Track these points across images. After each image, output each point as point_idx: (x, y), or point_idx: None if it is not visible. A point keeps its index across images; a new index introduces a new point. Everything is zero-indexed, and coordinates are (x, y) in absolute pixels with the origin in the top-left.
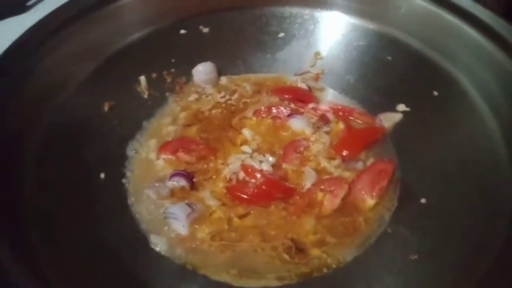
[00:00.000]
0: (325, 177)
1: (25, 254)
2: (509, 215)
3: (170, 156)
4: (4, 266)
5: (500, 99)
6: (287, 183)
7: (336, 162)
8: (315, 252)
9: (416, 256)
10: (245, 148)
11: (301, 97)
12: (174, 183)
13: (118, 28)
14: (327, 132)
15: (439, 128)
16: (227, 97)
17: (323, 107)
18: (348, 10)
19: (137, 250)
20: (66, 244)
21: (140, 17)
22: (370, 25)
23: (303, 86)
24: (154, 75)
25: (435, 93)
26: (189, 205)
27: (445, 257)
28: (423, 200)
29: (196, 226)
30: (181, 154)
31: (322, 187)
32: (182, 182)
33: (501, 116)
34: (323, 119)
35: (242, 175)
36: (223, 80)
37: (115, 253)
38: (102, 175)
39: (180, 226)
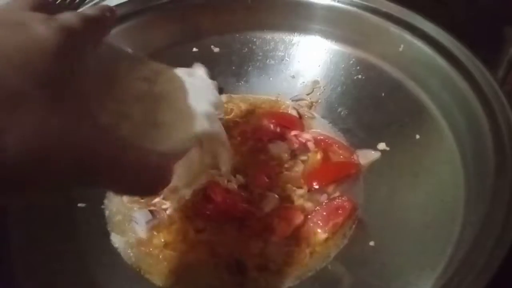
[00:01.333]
0: (285, 205)
1: None
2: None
3: None
4: None
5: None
6: (247, 205)
7: (302, 191)
8: (253, 274)
9: None
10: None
11: (287, 124)
12: None
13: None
14: (303, 161)
15: (413, 174)
16: (221, 115)
17: (306, 135)
18: (354, 43)
19: (99, 245)
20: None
21: (158, 33)
22: (372, 61)
23: (294, 112)
24: None
25: (417, 136)
26: (152, 212)
27: None
28: (371, 243)
29: (155, 233)
30: None
31: (279, 214)
32: None
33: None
34: (303, 147)
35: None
36: (223, 98)
37: (78, 243)
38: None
39: (139, 230)
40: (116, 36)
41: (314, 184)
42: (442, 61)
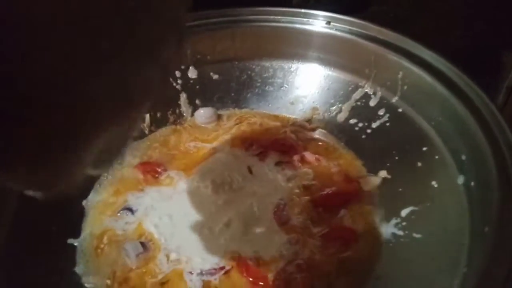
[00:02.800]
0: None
1: None
2: None
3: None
4: None
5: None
6: None
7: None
8: None
9: None
10: None
11: (287, 149)
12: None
13: None
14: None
15: (415, 203)
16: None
17: (309, 156)
18: (353, 70)
19: None
20: None
21: None
22: (371, 89)
23: (292, 136)
24: (159, 114)
25: (419, 164)
26: (142, 244)
27: None
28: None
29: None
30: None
31: None
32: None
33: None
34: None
35: None
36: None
37: None
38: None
39: (129, 261)
40: None
41: (320, 210)
42: (442, 88)
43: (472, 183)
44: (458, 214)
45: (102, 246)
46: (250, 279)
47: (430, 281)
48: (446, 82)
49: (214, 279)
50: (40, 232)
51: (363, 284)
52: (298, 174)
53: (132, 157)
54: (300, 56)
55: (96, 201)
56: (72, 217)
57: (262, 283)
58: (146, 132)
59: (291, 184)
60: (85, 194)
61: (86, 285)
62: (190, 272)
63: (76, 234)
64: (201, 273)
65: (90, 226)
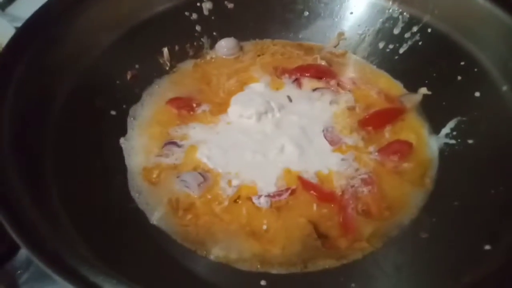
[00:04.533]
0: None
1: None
2: None
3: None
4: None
5: None
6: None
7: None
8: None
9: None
10: None
11: (322, 74)
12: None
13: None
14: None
15: (461, 112)
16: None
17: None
18: None
19: None
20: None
21: None
22: (399, 7)
23: (323, 63)
24: (177, 47)
25: (459, 77)
26: (201, 174)
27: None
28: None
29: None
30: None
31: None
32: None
33: None
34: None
35: None
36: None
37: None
38: (122, 140)
39: (191, 192)
40: None
41: (369, 129)
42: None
43: None
44: (509, 119)
45: (154, 177)
46: (317, 195)
47: (490, 183)
48: None
49: (282, 199)
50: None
51: (423, 191)
52: (339, 98)
53: (160, 94)
54: None
55: (136, 141)
56: (114, 155)
57: (330, 199)
58: (167, 67)
59: (334, 108)
60: (121, 133)
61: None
62: (258, 196)
63: (123, 172)
64: (268, 196)
65: (136, 161)
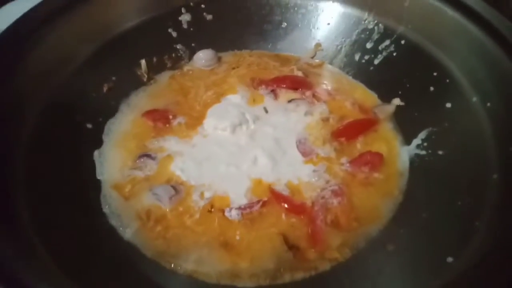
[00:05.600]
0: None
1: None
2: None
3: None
4: None
5: (496, 99)
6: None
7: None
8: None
9: (393, 247)
10: None
11: (298, 85)
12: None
13: (123, 12)
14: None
15: (432, 123)
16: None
17: (322, 92)
18: (354, 2)
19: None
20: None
21: (145, 1)
22: (374, 18)
23: (299, 74)
24: (155, 59)
25: (431, 88)
26: (174, 187)
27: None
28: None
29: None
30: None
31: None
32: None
33: (494, 116)
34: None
35: None
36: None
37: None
38: (96, 153)
39: (162, 205)
40: (99, 5)
41: (342, 140)
42: (451, 11)
43: (489, 102)
44: (478, 131)
45: (127, 191)
46: (287, 206)
47: (458, 195)
48: (455, 4)
49: (254, 211)
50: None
51: (392, 202)
52: (314, 109)
53: (137, 106)
54: None
55: (111, 154)
56: (88, 170)
57: (300, 210)
58: (145, 79)
59: (308, 119)
60: (97, 146)
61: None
62: (229, 209)
63: (96, 187)
64: (239, 208)
65: (110, 175)
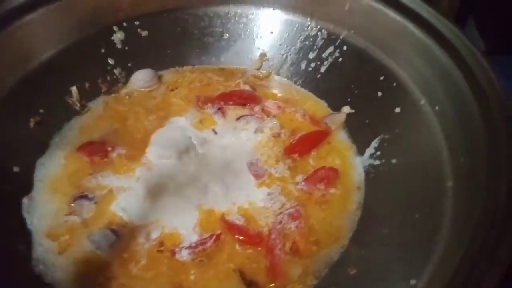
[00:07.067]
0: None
1: None
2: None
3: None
4: None
5: (443, 101)
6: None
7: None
8: None
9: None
10: None
11: (246, 101)
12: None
13: (47, 35)
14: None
15: (383, 130)
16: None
17: (271, 106)
18: (295, 8)
19: None
20: None
21: (71, 23)
22: (316, 24)
23: (247, 87)
24: (87, 84)
25: (379, 94)
26: (114, 231)
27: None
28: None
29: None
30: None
31: None
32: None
33: (444, 119)
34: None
35: None
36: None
37: None
38: (25, 200)
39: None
40: (20, 29)
41: (295, 156)
42: (393, 13)
43: (437, 105)
44: (430, 135)
45: (62, 241)
46: (243, 239)
47: (415, 206)
48: (395, 6)
49: (207, 248)
50: None
51: (351, 219)
52: (264, 125)
53: (70, 141)
54: None
55: (42, 199)
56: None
57: (257, 241)
58: (77, 108)
59: (259, 137)
60: (26, 191)
61: None
62: (180, 248)
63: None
64: (190, 247)
65: (41, 225)
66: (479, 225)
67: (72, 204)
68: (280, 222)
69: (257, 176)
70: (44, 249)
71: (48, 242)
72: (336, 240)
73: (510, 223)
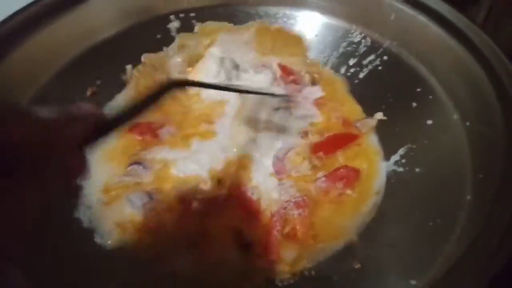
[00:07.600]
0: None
1: None
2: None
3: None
4: None
5: (475, 119)
6: None
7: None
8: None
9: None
10: None
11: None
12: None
13: (112, 14)
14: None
15: (412, 139)
16: None
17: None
18: (341, 15)
19: None
20: None
21: (130, 8)
22: (361, 32)
23: (307, 77)
24: (140, 66)
25: (414, 104)
26: (149, 193)
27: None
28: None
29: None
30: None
31: None
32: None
33: (472, 135)
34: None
35: None
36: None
37: None
38: None
39: (135, 212)
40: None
41: (321, 154)
42: (436, 27)
43: (468, 121)
44: (456, 149)
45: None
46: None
47: (430, 215)
48: (439, 20)
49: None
50: None
51: (366, 220)
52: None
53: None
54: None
55: (97, 168)
56: None
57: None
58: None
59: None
60: None
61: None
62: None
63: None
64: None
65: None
66: (489, 244)
67: (128, 168)
68: (284, 208)
69: (277, 172)
70: (93, 199)
71: (100, 194)
72: (339, 236)
73: None
